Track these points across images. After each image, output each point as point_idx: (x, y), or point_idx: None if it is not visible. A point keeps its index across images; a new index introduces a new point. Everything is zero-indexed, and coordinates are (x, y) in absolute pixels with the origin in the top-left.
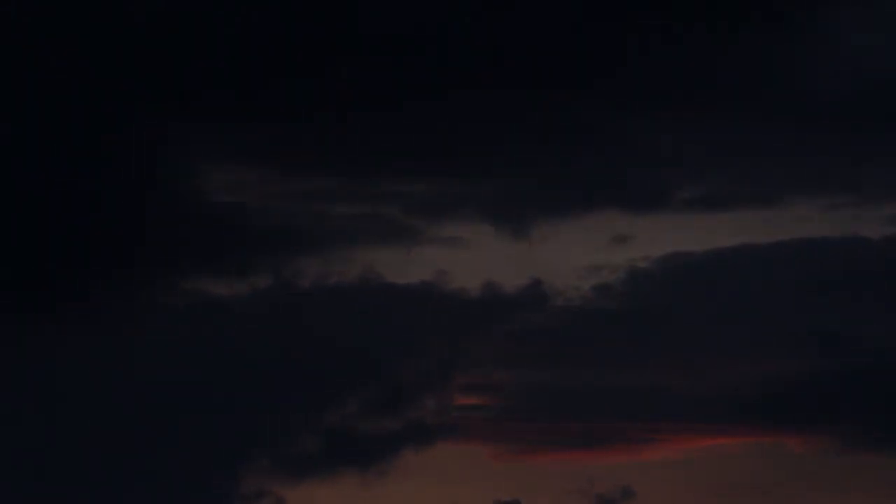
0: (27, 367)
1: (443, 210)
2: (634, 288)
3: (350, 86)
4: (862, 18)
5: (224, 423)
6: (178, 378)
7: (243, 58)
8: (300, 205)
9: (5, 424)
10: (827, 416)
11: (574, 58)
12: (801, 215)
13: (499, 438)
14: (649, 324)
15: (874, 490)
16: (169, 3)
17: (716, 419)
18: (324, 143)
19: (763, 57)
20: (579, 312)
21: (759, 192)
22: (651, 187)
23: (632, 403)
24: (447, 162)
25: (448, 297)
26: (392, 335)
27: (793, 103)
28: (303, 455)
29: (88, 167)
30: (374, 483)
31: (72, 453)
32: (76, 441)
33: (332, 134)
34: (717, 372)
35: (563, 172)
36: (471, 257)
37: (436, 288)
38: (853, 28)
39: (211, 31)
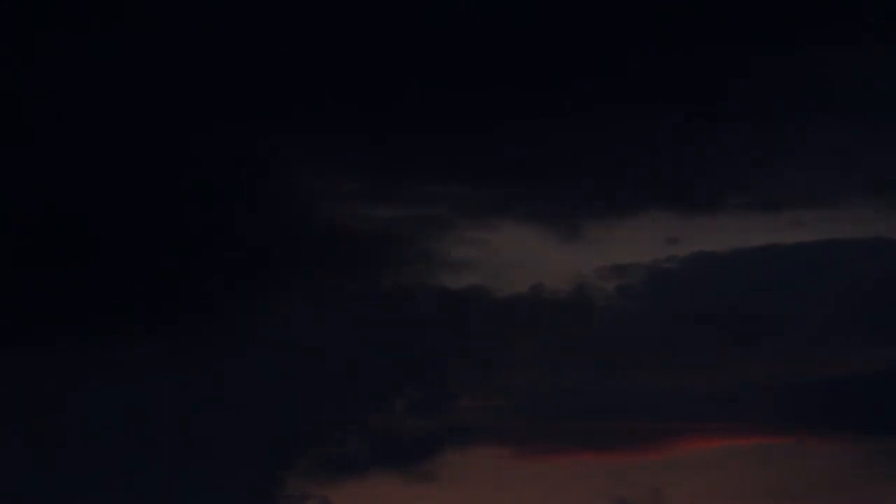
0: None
1: (491, 211)
2: (660, 289)
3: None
4: None
5: (268, 425)
6: (220, 380)
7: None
8: (340, 206)
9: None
10: (852, 419)
11: (625, 60)
12: (830, 216)
13: (535, 439)
14: (678, 325)
15: None
16: (275, 18)
17: (738, 420)
18: (369, 145)
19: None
20: (618, 315)
21: (813, 193)
22: (701, 190)
23: (655, 404)
24: (496, 163)
25: (494, 299)
26: (436, 336)
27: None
28: (347, 456)
29: (191, 180)
30: (417, 483)
31: (112, 453)
32: (117, 440)
33: (379, 133)
34: (741, 372)
35: (613, 174)
36: (518, 259)
37: (482, 290)
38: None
39: (309, 44)
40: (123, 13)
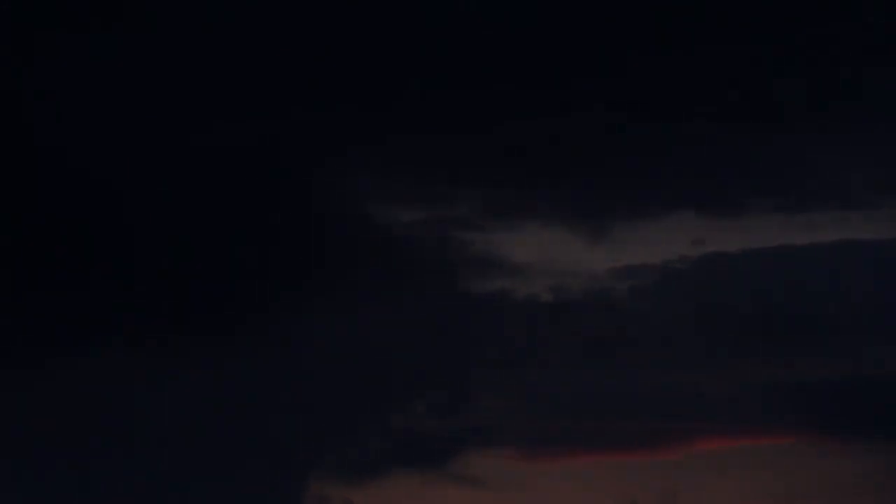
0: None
1: (517, 212)
2: (674, 289)
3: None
4: None
5: (290, 427)
6: (242, 383)
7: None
8: (363, 208)
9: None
10: (873, 422)
11: (660, 64)
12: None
13: (554, 440)
14: (695, 324)
15: None
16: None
17: (754, 420)
18: (386, 146)
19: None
20: (638, 316)
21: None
22: (727, 191)
23: (673, 404)
24: (518, 164)
25: (514, 301)
26: (459, 338)
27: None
28: (369, 458)
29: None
30: (439, 484)
31: (132, 455)
32: (138, 442)
33: (395, 134)
34: (759, 373)
35: (640, 174)
36: (540, 260)
37: (503, 291)
38: None
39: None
40: (123, 13)
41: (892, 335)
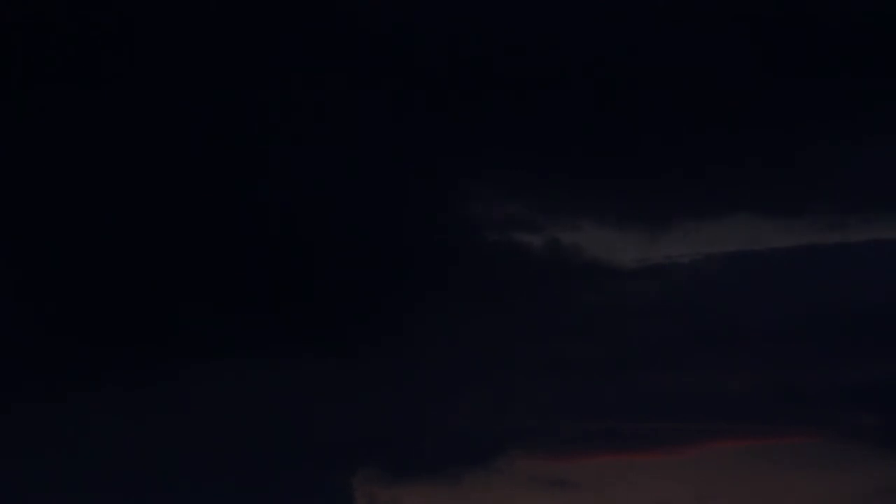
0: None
1: (570, 211)
2: (699, 287)
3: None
4: None
5: (339, 428)
6: (289, 384)
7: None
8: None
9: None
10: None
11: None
12: None
13: (588, 441)
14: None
15: None
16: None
17: (774, 421)
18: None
19: None
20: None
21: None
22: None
23: (699, 405)
24: (578, 162)
25: (565, 301)
26: (502, 340)
27: None
28: (415, 458)
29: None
30: (484, 485)
31: (177, 456)
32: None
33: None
34: (778, 374)
35: (696, 176)
36: (593, 258)
37: (554, 291)
38: None
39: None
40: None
41: None
